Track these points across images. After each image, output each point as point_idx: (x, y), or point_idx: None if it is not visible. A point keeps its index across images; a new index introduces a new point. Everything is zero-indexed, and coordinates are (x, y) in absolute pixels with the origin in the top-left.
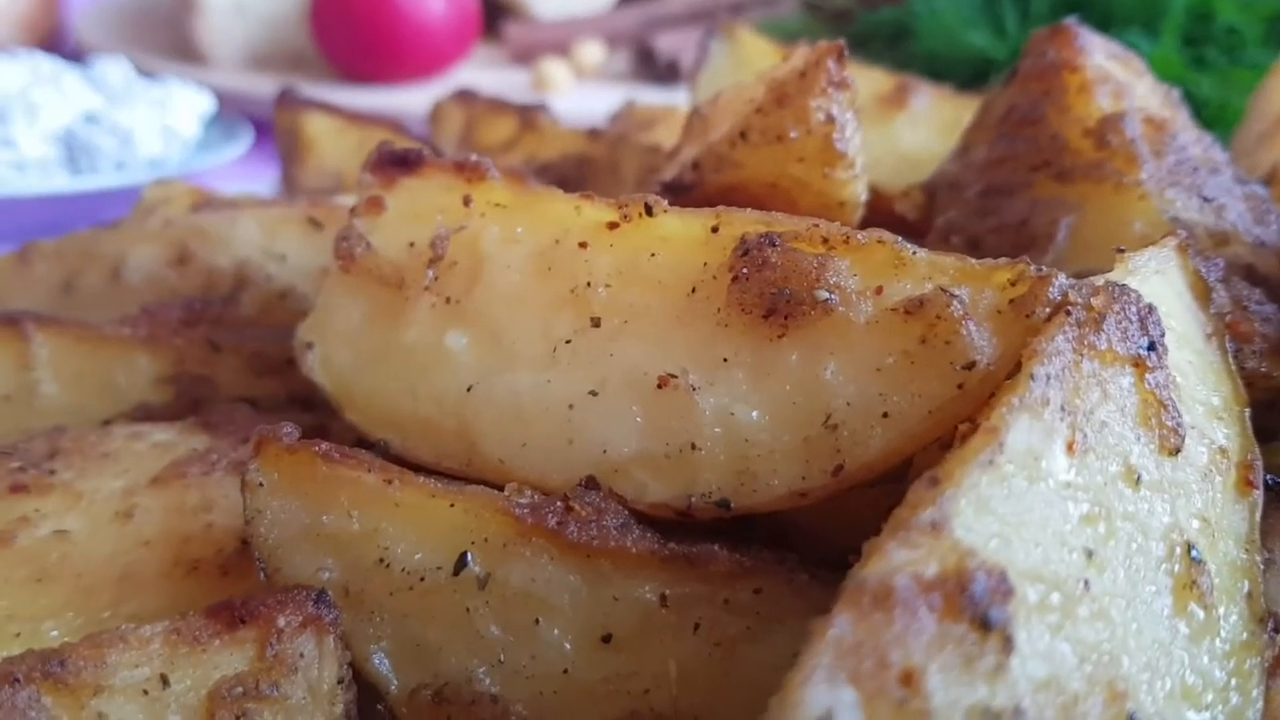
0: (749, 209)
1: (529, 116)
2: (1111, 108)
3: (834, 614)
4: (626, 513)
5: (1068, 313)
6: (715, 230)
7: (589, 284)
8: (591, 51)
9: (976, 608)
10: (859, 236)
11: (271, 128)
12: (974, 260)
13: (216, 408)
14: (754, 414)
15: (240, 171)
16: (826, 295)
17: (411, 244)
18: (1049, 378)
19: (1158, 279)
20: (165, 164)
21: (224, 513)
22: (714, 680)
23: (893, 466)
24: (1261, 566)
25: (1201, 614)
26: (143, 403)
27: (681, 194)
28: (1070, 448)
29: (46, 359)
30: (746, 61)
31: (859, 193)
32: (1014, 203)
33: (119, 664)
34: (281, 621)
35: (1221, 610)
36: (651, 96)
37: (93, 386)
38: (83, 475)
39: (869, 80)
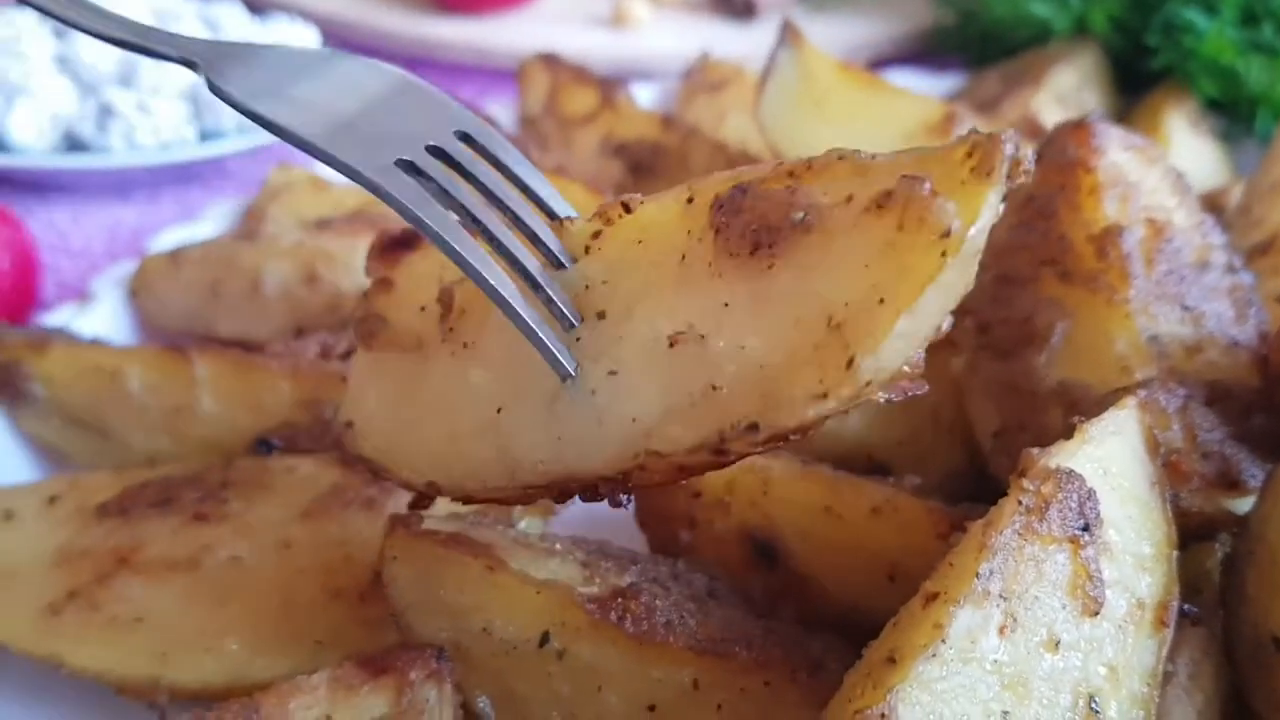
0: (716, 172)
1: (609, 92)
2: (1117, 213)
3: None
4: (673, 610)
5: (1019, 501)
6: (690, 200)
7: (587, 287)
8: None
9: None
10: (820, 160)
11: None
12: (928, 146)
13: None
14: (763, 342)
15: None
16: (802, 214)
17: (423, 308)
18: (992, 573)
19: (1114, 440)
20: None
21: (358, 546)
22: None
23: (909, 363)
24: (1155, 695)
25: None
26: (287, 420)
27: None
28: (1002, 631)
29: (206, 379)
30: (811, 75)
31: None
32: (1022, 296)
33: (297, 708)
34: (413, 674)
35: None
36: (727, 38)
37: (244, 405)
38: (250, 506)
39: (919, 107)
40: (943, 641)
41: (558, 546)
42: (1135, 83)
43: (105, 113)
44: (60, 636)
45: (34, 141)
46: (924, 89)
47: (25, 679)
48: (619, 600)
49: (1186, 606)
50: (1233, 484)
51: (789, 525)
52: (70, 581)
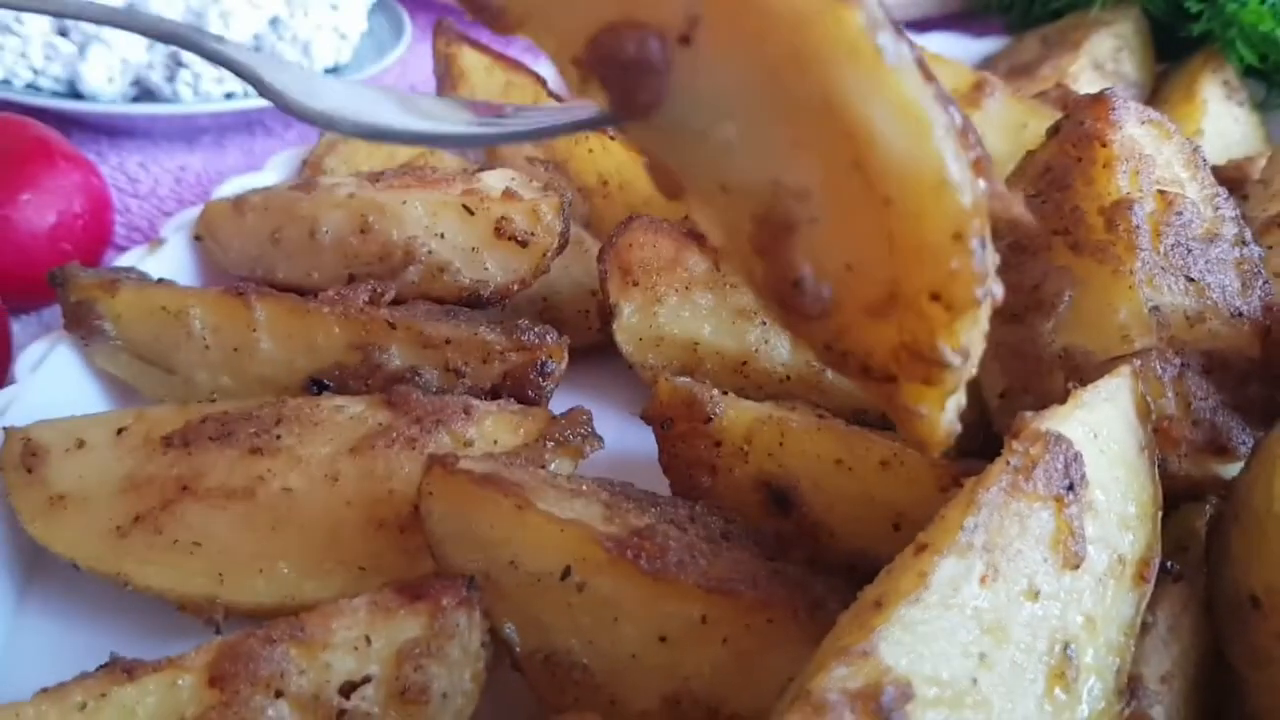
0: None
1: None
2: (1129, 186)
3: (788, 714)
4: (685, 551)
5: (1008, 461)
6: None
7: None
8: None
9: (884, 711)
10: None
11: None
12: None
13: (396, 389)
14: None
15: (397, 75)
16: None
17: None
18: (977, 526)
19: (1106, 405)
20: (341, 71)
21: (401, 481)
22: (734, 678)
23: None
24: (1131, 645)
25: (1064, 696)
26: (338, 361)
27: None
28: (983, 580)
29: (264, 322)
30: None
31: None
32: (1034, 263)
33: (338, 627)
34: (445, 601)
35: (1087, 686)
36: None
37: (299, 346)
38: (301, 442)
39: (951, 74)
40: (925, 588)
41: (584, 488)
42: (1174, 49)
43: (174, 62)
44: (126, 557)
45: (106, 88)
46: (964, 51)
47: (95, 595)
48: (636, 539)
49: (1169, 563)
50: (1221, 450)
51: (803, 475)
52: (136, 506)
